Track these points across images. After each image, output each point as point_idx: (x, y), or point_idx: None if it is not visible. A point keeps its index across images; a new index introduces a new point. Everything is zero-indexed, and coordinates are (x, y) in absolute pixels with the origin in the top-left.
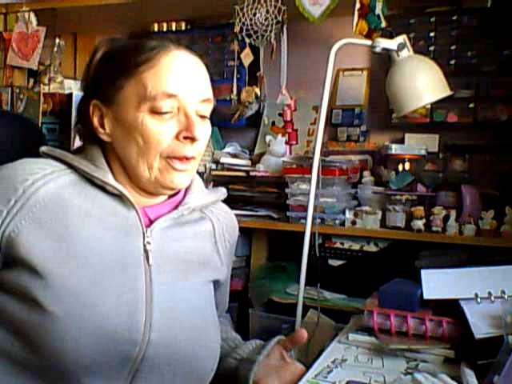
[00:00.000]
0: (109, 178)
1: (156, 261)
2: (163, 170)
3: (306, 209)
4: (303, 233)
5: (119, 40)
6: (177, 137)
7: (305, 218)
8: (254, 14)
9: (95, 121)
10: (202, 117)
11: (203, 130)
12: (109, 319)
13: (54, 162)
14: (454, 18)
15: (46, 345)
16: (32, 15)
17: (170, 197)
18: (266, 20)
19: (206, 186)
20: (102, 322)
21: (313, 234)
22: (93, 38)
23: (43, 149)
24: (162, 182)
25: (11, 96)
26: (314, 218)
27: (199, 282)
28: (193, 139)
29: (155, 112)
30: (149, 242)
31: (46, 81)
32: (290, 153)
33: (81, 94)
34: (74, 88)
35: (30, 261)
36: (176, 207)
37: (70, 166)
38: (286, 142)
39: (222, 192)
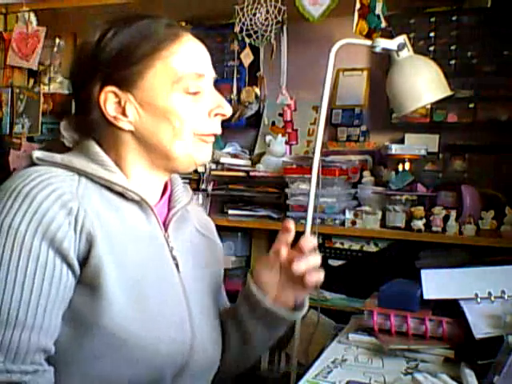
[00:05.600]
0: (128, 184)
1: (183, 268)
2: (197, 146)
3: (306, 209)
4: (303, 233)
5: (123, 27)
6: (209, 114)
7: (305, 218)
8: (254, 14)
9: (111, 109)
10: None
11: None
12: (164, 334)
13: (58, 169)
14: (454, 18)
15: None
16: (32, 15)
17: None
18: (266, 20)
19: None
20: (159, 335)
21: (313, 234)
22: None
23: (38, 155)
24: (196, 158)
25: (11, 96)
26: (314, 218)
27: (212, 278)
28: (224, 115)
29: (188, 92)
30: (173, 247)
31: (46, 81)
32: (290, 153)
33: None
34: None
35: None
36: (169, 203)
37: (73, 170)
38: (286, 142)
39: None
